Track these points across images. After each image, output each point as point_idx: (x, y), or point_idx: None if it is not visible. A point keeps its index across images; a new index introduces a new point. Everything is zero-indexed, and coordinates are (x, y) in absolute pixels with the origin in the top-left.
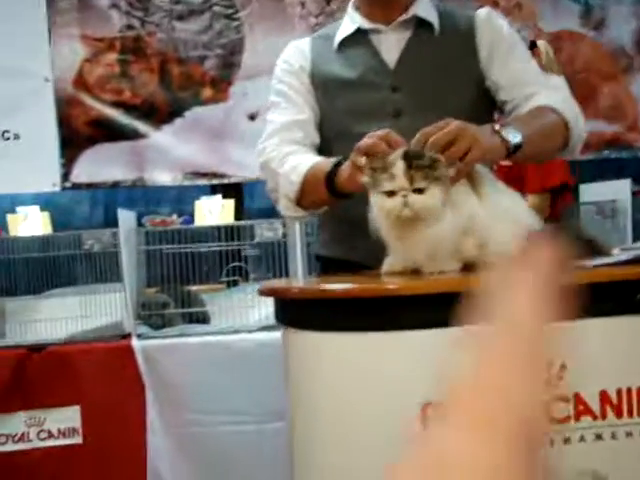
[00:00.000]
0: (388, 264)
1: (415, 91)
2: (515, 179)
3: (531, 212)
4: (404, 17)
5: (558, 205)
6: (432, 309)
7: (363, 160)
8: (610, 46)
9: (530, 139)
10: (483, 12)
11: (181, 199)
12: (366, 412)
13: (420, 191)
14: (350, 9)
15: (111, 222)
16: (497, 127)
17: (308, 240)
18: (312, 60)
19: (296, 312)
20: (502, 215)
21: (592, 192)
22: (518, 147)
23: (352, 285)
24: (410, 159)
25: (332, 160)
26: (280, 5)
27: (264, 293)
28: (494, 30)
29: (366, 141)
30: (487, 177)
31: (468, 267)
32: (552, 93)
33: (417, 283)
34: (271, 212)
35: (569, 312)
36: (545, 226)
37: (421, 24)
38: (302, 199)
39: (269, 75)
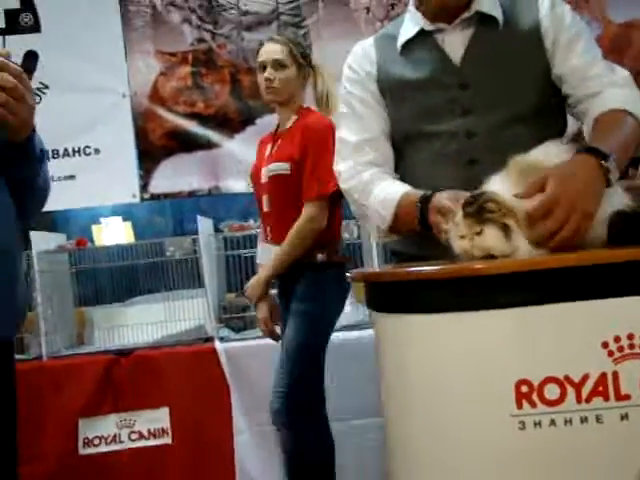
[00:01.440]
0: None
1: (484, 88)
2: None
3: (624, 195)
4: (467, 15)
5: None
6: (525, 287)
7: (434, 218)
8: None
9: (619, 162)
10: (547, 0)
11: (250, 206)
12: (460, 391)
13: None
14: (411, 7)
15: (179, 232)
16: (604, 164)
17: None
18: (378, 64)
19: (388, 296)
20: None
21: None
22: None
23: (445, 266)
24: (463, 207)
25: (420, 193)
26: (346, 11)
27: (355, 279)
28: (557, 18)
29: (446, 205)
30: None
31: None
32: (618, 91)
33: (509, 262)
34: (344, 216)
35: None
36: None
37: (484, 19)
38: (393, 227)
39: (337, 80)
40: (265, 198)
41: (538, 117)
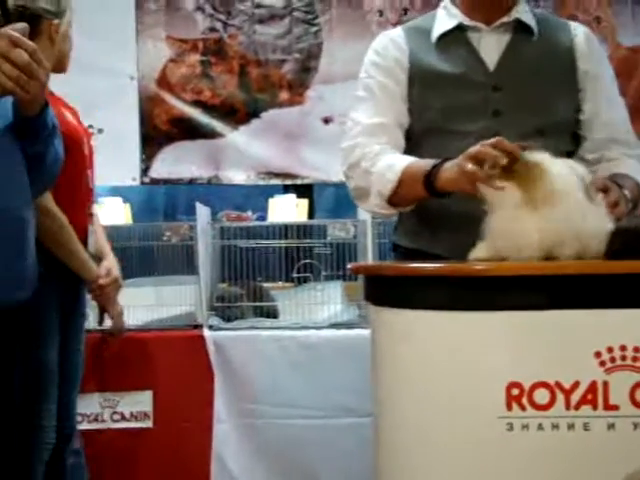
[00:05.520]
0: (474, 254)
1: (516, 91)
2: None
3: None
4: (506, 19)
5: None
6: (523, 292)
7: (470, 166)
8: None
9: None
10: (582, 30)
11: (251, 197)
12: (451, 389)
13: None
14: (448, 3)
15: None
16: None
17: (379, 242)
18: (410, 52)
19: (387, 290)
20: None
21: None
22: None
23: (445, 264)
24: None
25: (430, 161)
26: (359, 12)
27: (356, 271)
28: (593, 58)
29: (477, 147)
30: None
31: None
32: (635, 163)
33: (509, 265)
34: (337, 214)
35: None
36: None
37: (520, 28)
38: (394, 196)
39: (345, 80)
40: (91, 173)
41: (558, 132)
